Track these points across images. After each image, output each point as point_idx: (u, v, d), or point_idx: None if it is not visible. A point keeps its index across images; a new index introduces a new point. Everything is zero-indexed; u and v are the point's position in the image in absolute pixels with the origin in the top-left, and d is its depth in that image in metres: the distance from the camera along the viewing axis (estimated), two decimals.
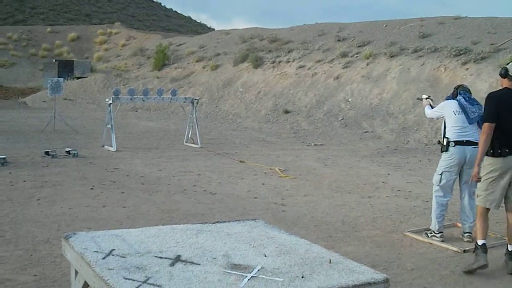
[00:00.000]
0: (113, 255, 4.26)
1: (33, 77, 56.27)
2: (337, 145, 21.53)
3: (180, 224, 9.04)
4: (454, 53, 26.35)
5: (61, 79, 24.95)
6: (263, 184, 13.56)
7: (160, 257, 4.25)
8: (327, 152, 19.39)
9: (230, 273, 3.97)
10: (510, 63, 7.77)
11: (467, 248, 8.59)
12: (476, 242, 7.71)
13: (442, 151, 9.25)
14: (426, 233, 9.28)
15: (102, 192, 12.09)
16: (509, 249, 7.79)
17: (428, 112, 9.96)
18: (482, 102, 8.03)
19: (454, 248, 8.57)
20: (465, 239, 9.11)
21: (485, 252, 7.57)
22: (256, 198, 12.03)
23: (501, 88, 7.75)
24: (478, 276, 7.52)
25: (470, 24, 31.84)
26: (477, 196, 7.81)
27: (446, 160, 9.06)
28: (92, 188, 12.41)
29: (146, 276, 3.83)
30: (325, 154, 18.68)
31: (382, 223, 10.19)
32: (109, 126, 19.09)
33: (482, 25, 30.86)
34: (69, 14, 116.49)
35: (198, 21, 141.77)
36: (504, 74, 7.59)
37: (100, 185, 12.77)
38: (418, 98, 11.29)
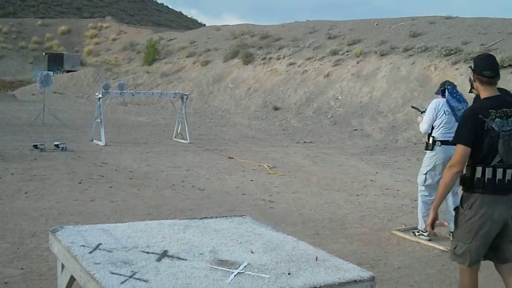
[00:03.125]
0: (100, 249, 4.26)
1: (22, 70, 56.17)
2: (326, 142, 21.55)
3: (167, 219, 9.06)
4: (444, 52, 26.43)
5: (51, 73, 24.92)
6: (251, 180, 13.57)
7: (147, 252, 4.25)
8: (316, 149, 19.41)
9: (216, 269, 3.97)
10: None
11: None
12: None
13: (426, 149, 9.26)
14: (413, 232, 9.31)
15: (90, 186, 12.07)
16: None
17: (424, 127, 9.57)
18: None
19: (441, 247, 8.59)
20: (452, 238, 9.14)
21: None
22: (244, 194, 12.04)
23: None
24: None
25: (460, 24, 31.94)
26: None
27: (430, 159, 9.09)
28: (80, 182, 12.39)
29: (132, 271, 3.83)
30: (314, 152, 18.70)
31: (369, 221, 10.21)
32: (98, 120, 19.07)
33: (472, 25, 30.95)
34: (60, 7, 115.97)
35: (189, 17, 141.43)
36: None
37: (88, 179, 12.75)
38: (413, 107, 11.29)
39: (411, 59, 27.74)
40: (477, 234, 5.41)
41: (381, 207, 11.38)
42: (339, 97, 27.92)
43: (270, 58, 35.60)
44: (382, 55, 29.64)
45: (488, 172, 5.34)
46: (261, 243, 4.62)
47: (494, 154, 5.32)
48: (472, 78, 5.74)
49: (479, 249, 5.47)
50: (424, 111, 9.85)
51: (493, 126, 5.30)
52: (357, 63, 30.11)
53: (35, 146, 16.45)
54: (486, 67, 5.51)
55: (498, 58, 22.12)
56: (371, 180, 14.22)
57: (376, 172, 15.46)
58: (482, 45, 26.47)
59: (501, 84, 8.88)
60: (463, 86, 20.48)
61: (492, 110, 5.34)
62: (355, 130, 24.24)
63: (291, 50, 35.48)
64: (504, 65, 22.70)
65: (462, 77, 23.43)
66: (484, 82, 5.53)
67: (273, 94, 31.13)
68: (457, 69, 24.65)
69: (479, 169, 5.36)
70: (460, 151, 5.34)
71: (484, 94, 5.55)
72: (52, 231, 4.68)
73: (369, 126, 24.29)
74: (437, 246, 8.69)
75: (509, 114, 5.38)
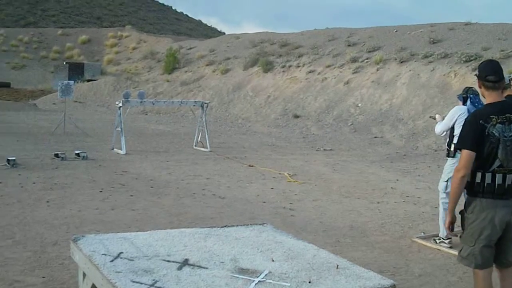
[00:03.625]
0: (121, 258, 4.28)
1: (43, 79, 56.51)
2: (346, 150, 21.51)
3: (188, 228, 9.08)
4: (464, 59, 26.33)
5: (72, 82, 25.07)
6: (272, 188, 13.56)
7: (168, 261, 4.26)
8: (336, 157, 19.38)
9: (237, 277, 3.98)
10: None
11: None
12: None
13: (448, 156, 9.25)
14: (435, 239, 9.27)
15: (111, 195, 12.11)
16: None
17: (439, 128, 9.73)
18: None
19: (452, 251, 8.55)
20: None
21: None
22: (265, 202, 12.03)
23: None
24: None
25: (480, 30, 31.81)
26: None
27: (451, 166, 9.04)
28: (101, 191, 12.43)
29: (153, 279, 3.84)
30: (334, 159, 18.67)
31: (390, 229, 10.18)
32: (118, 129, 19.12)
33: (492, 31, 30.82)
34: (80, 16, 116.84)
35: (209, 25, 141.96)
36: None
37: (109, 188, 12.79)
38: (431, 117, 11.27)
39: (431, 65, 27.66)
40: (479, 237, 5.50)
41: (402, 214, 11.34)
42: (359, 105, 27.87)
43: (290, 66, 35.62)
44: (401, 62, 29.57)
45: (488, 177, 5.41)
46: (281, 251, 4.63)
47: (494, 159, 5.38)
48: (478, 82, 5.77)
49: (482, 252, 5.52)
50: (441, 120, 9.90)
51: (494, 132, 5.36)
52: (377, 70, 30.05)
53: (56, 155, 16.52)
54: (490, 73, 5.57)
55: None
56: (391, 188, 14.18)
57: (397, 180, 15.40)
58: (502, 51, 26.33)
59: None
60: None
61: (493, 116, 5.40)
62: (375, 137, 24.19)
63: (311, 58, 35.48)
64: None
65: None
66: (489, 87, 5.59)
67: (293, 102, 31.13)
68: (477, 75, 24.54)
69: (478, 174, 5.43)
70: (465, 156, 5.40)
71: (488, 100, 5.61)
72: (73, 239, 4.71)
73: (389, 133, 24.23)
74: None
75: None
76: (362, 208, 11.84)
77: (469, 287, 7.26)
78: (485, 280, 5.60)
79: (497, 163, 5.38)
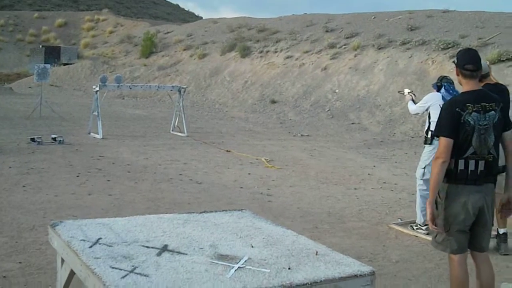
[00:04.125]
0: (100, 244, 4.25)
1: (19, 62, 56.04)
2: (324, 136, 21.55)
3: (166, 213, 9.05)
4: (442, 46, 26.41)
5: (48, 66, 24.89)
6: (249, 174, 13.57)
7: (147, 247, 4.23)
8: (314, 143, 19.41)
9: (217, 263, 3.96)
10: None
11: None
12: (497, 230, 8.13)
13: (425, 144, 9.30)
14: (412, 226, 9.32)
15: (88, 179, 12.07)
16: (500, 232, 8.20)
17: (413, 108, 9.98)
18: None
19: None
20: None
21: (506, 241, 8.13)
22: (242, 188, 12.05)
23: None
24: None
25: (458, 18, 31.93)
26: None
27: (429, 153, 9.09)
28: (78, 176, 12.39)
29: (133, 266, 3.81)
30: (311, 145, 18.69)
31: (367, 215, 10.22)
32: (95, 113, 19.04)
33: (470, 19, 30.95)
34: None
35: (186, 9, 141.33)
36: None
37: (86, 173, 12.75)
38: (399, 92, 11.33)
39: (409, 52, 27.72)
40: (453, 222, 5.59)
41: (379, 201, 11.39)
42: (337, 91, 27.91)
43: (267, 51, 35.57)
44: (379, 49, 29.61)
45: (461, 163, 5.50)
46: (261, 238, 4.61)
47: (468, 147, 5.47)
48: (455, 71, 5.83)
49: (457, 237, 5.63)
50: (409, 92, 10.06)
51: (469, 120, 5.45)
52: (355, 56, 30.08)
53: (33, 139, 16.42)
54: (468, 61, 5.65)
55: (495, 52, 22.20)
56: (368, 174, 14.23)
57: (374, 166, 15.46)
58: (480, 39, 26.44)
59: (498, 78, 8.92)
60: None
61: (469, 104, 5.50)
62: (352, 123, 24.24)
63: (288, 43, 35.44)
64: (501, 59, 22.73)
65: None
66: (466, 76, 5.66)
67: (270, 87, 31.11)
68: (454, 62, 24.63)
69: (452, 161, 5.49)
70: (443, 143, 5.48)
71: (465, 88, 5.70)
72: (51, 225, 4.67)
73: (366, 119, 24.29)
74: None
75: (488, 108, 5.54)
76: (339, 194, 11.87)
77: (445, 274, 7.30)
78: (460, 265, 5.68)
79: (470, 150, 5.49)
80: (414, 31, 31.04)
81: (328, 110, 26.36)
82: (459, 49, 24.42)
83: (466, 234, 5.66)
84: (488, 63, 8.88)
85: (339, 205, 10.94)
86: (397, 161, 16.53)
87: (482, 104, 5.51)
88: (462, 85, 5.76)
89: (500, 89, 7.95)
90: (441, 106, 5.93)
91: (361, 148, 18.72)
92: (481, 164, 5.51)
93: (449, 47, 26.13)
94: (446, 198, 5.61)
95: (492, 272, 5.84)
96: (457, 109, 5.48)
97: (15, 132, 18.54)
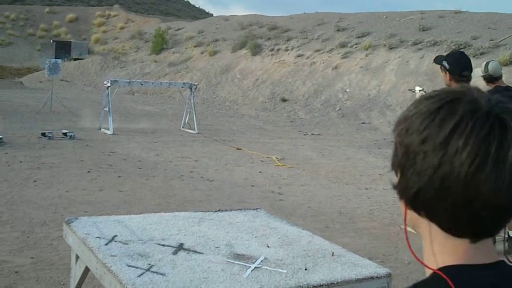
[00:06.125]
0: (115, 241, 4.23)
1: (30, 57, 56.20)
2: (334, 135, 21.52)
3: (177, 210, 9.03)
4: (453, 47, 26.32)
5: (59, 60, 24.95)
6: (260, 172, 13.55)
7: (163, 245, 4.22)
8: (324, 142, 19.38)
9: (233, 263, 3.95)
10: (490, 64, 7.99)
11: None
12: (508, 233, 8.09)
13: None
14: None
15: (99, 175, 12.06)
16: (511, 235, 8.11)
17: None
18: None
19: None
20: None
21: None
22: (253, 186, 12.02)
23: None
24: None
25: (470, 19, 31.82)
26: None
27: None
28: (89, 171, 12.38)
29: (149, 264, 3.80)
30: (321, 144, 18.66)
31: (379, 216, 10.18)
32: (106, 109, 19.04)
33: (482, 20, 30.84)
34: None
35: (197, 6, 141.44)
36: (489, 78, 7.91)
37: (97, 168, 12.74)
38: (410, 90, 11.28)
39: (420, 53, 27.65)
40: None
41: (391, 201, 11.33)
42: (347, 90, 27.86)
43: (278, 50, 35.54)
44: (391, 49, 29.55)
45: None
46: (276, 237, 4.60)
47: None
48: (447, 77, 5.72)
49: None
50: (421, 90, 9.97)
51: None
52: (366, 56, 30.03)
53: (43, 134, 16.44)
54: (465, 67, 5.56)
55: (507, 54, 22.16)
56: (379, 174, 14.18)
57: (385, 166, 15.39)
58: (492, 40, 26.36)
59: (507, 81, 8.89)
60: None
61: None
62: (363, 123, 24.19)
63: (300, 42, 35.40)
64: None
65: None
66: (460, 82, 5.69)
67: (281, 86, 31.09)
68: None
69: None
70: None
71: None
72: (66, 222, 4.66)
73: (377, 119, 24.24)
74: None
75: None
76: (350, 194, 11.83)
77: None
78: None
79: None
80: (426, 31, 30.95)
81: (338, 109, 26.32)
82: (470, 50, 24.34)
83: None
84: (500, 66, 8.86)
85: (350, 205, 10.90)
86: None
87: None
88: None
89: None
90: None
91: (371, 148, 18.67)
92: None
93: (461, 48, 26.02)
94: None
95: None
96: None
97: (26, 126, 18.56)
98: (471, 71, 5.57)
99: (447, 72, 5.57)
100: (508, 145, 1.22)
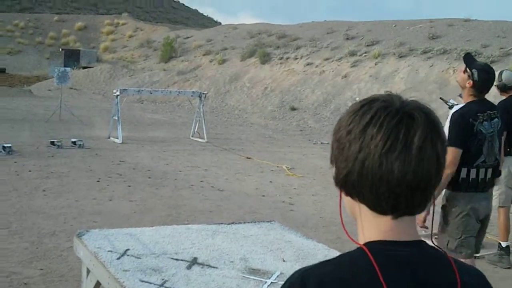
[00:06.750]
0: (128, 255, 4.13)
1: (39, 65, 56.25)
2: None
3: (187, 220, 8.94)
4: (463, 55, 26.16)
5: (68, 69, 24.96)
6: (270, 182, 13.45)
7: (176, 259, 4.11)
8: None
9: (249, 278, 3.84)
10: (504, 73, 8.10)
11: (477, 255, 8.50)
12: (500, 244, 8.22)
13: None
14: (436, 238, 9.15)
15: (108, 185, 11.98)
16: (503, 246, 8.23)
17: None
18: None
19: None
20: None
21: (508, 254, 8.13)
22: (264, 196, 11.92)
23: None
24: None
25: (480, 27, 31.69)
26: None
27: None
28: (98, 181, 12.31)
29: (163, 279, 3.70)
30: None
31: None
32: (115, 117, 18.97)
33: (492, 29, 30.71)
34: (76, 3, 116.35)
35: (205, 15, 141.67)
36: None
37: (107, 178, 12.66)
38: (441, 99, 11.14)
39: (430, 61, 27.55)
40: (465, 229, 5.72)
41: None
42: (357, 98, 27.69)
43: (288, 58, 35.47)
44: (400, 57, 29.44)
45: (473, 172, 5.65)
46: (292, 251, 4.49)
47: (479, 155, 5.64)
48: (470, 83, 5.80)
49: (470, 242, 5.77)
50: (454, 104, 9.80)
51: (481, 129, 5.63)
52: (375, 64, 29.93)
53: (52, 143, 16.37)
54: (490, 84, 5.77)
55: None
56: None
57: None
58: (502, 48, 26.24)
59: None
60: None
61: (480, 114, 5.64)
62: None
63: (309, 50, 35.34)
64: None
65: None
66: (479, 92, 5.75)
67: (290, 94, 30.99)
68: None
69: (464, 170, 5.64)
70: (452, 153, 5.51)
71: (471, 98, 5.80)
72: (78, 235, 4.56)
73: None
74: None
75: (492, 116, 5.75)
76: None
77: None
78: None
79: (481, 158, 5.65)
80: (435, 39, 30.84)
81: None
82: (480, 59, 24.24)
83: (475, 238, 5.84)
84: None
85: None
86: None
87: (487, 112, 5.69)
88: (466, 94, 5.87)
89: None
90: (451, 117, 5.93)
91: None
92: (489, 172, 5.73)
93: None
94: (456, 206, 5.73)
95: None
96: (470, 120, 5.59)
97: (35, 135, 18.51)
98: (488, 91, 5.74)
99: (472, 81, 5.65)
100: (414, 131, 1.52)
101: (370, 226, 1.62)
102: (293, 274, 1.61)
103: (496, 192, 8.21)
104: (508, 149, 8.00)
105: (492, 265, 8.10)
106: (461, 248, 5.74)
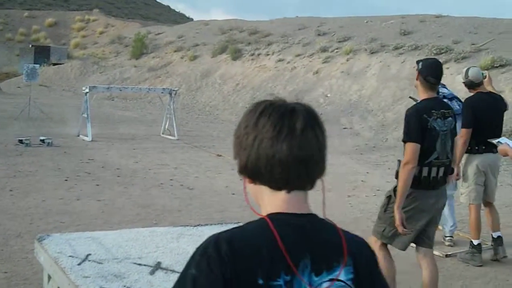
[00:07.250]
0: (89, 260, 4.01)
1: (8, 62, 55.64)
2: None
3: (155, 220, 8.82)
4: (435, 51, 26.25)
5: (37, 66, 24.69)
6: (240, 179, 13.26)
7: (139, 264, 4.00)
8: None
9: None
10: (470, 70, 8.13)
11: (449, 253, 8.49)
12: (471, 242, 8.17)
13: None
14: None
15: (76, 184, 11.83)
16: (494, 236, 8.22)
17: None
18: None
19: (436, 252, 8.37)
20: (446, 243, 8.97)
21: (480, 252, 8.06)
22: (234, 194, 11.81)
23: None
24: (458, 279, 7.42)
25: (451, 23, 31.82)
26: (461, 194, 8.43)
27: None
28: (66, 180, 12.15)
29: (124, 286, 3.59)
30: None
31: (363, 224, 9.98)
32: (85, 115, 18.79)
33: (463, 25, 30.84)
34: None
35: (177, 11, 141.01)
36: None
37: (75, 177, 12.51)
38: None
39: (402, 57, 27.58)
40: (417, 223, 5.88)
41: (374, 209, 11.09)
42: (328, 95, 27.72)
43: (259, 54, 35.39)
44: (372, 53, 29.46)
45: (425, 170, 5.76)
46: None
47: (432, 152, 5.73)
48: (416, 76, 5.93)
49: (409, 235, 5.91)
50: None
51: (435, 125, 5.73)
52: (347, 60, 29.91)
53: (20, 141, 16.18)
54: (431, 75, 5.95)
55: (489, 58, 22.09)
56: (362, 181, 14.03)
57: (367, 172, 15.27)
58: (473, 44, 26.31)
59: (493, 84, 8.83)
60: (453, 85, 20.36)
61: (434, 111, 5.78)
62: (344, 128, 24.03)
63: (280, 47, 35.26)
64: (495, 66, 22.58)
65: (452, 76, 23.28)
66: (425, 86, 5.87)
67: (262, 91, 30.88)
68: (447, 68, 24.44)
69: (416, 168, 5.69)
70: (412, 148, 5.64)
71: (424, 95, 5.91)
72: (38, 239, 4.43)
73: (358, 124, 24.09)
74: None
75: (446, 115, 5.83)
76: (333, 201, 11.60)
77: (443, 285, 7.12)
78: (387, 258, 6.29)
79: (434, 155, 5.75)
80: (407, 35, 30.91)
81: (320, 115, 26.10)
82: (452, 55, 24.26)
83: (416, 232, 5.95)
84: (487, 73, 8.75)
85: (333, 213, 10.69)
86: (390, 167, 16.27)
87: (441, 111, 5.81)
88: (419, 91, 5.97)
89: (494, 97, 8.02)
90: (406, 112, 5.97)
91: (353, 153, 18.53)
92: (441, 170, 5.83)
93: (442, 53, 25.98)
94: (405, 200, 5.79)
95: (437, 267, 6.21)
96: (424, 115, 5.69)
97: (3, 133, 18.27)
98: (439, 81, 5.76)
99: (418, 72, 5.73)
100: (297, 118, 1.94)
101: (269, 202, 1.99)
102: (208, 238, 1.95)
103: (466, 189, 8.21)
104: (476, 147, 7.99)
105: (464, 263, 8.08)
106: (396, 237, 5.97)
